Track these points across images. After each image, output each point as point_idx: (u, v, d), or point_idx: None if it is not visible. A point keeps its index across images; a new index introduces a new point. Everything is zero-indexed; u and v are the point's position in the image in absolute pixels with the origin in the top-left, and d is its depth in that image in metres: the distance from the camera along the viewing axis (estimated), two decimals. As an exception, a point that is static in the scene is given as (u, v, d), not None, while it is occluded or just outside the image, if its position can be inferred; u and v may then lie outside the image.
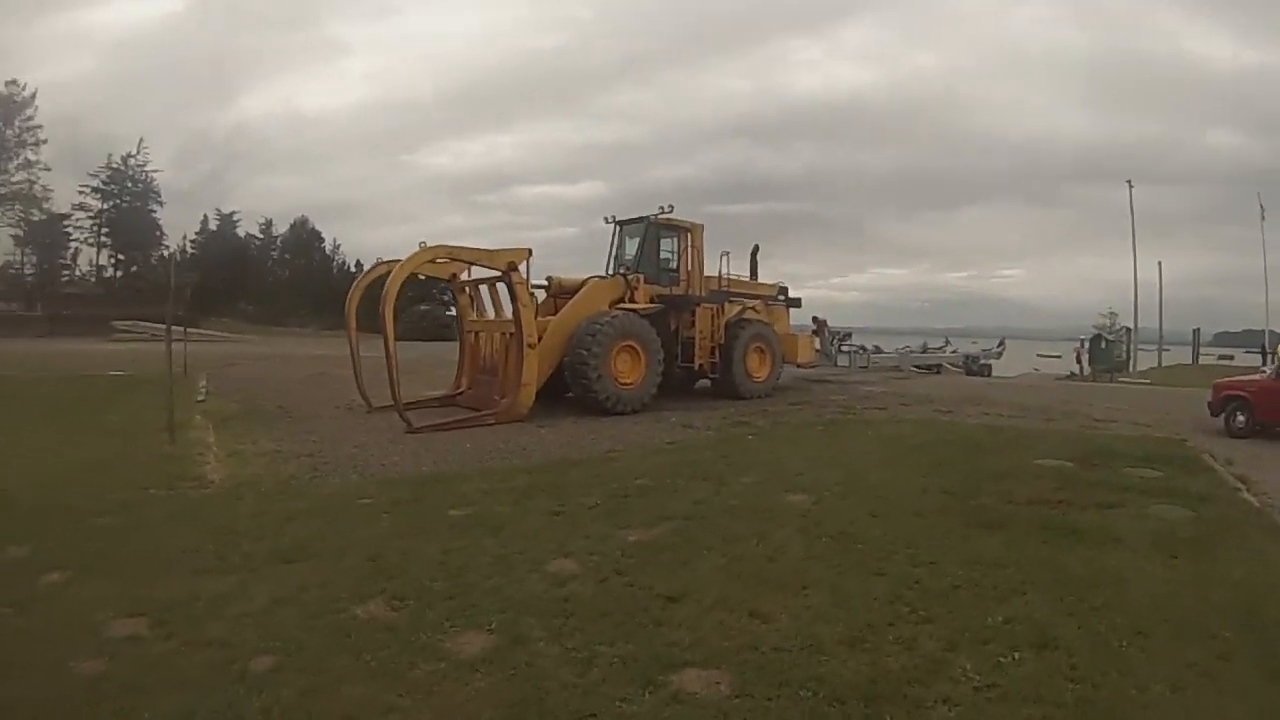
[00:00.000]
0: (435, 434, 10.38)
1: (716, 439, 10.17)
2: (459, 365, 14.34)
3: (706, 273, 15.49)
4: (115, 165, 55.67)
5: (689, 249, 15.26)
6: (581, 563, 4.83)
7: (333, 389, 14.42)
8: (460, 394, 13.76)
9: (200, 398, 12.87)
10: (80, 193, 55.06)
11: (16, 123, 53.26)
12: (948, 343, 27.98)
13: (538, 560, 4.87)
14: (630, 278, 14.40)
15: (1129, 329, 31.62)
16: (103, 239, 56.46)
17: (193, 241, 58.29)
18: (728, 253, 15.86)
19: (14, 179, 53.14)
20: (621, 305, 13.87)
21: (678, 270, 15.33)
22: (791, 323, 18.35)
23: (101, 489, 6.88)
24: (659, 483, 6.94)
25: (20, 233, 52.82)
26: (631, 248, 15.26)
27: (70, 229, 54.78)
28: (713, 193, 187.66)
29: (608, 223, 15.81)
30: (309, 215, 59.67)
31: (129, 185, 56.40)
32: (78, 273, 54.62)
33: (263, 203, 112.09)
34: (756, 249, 17.76)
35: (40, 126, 53.63)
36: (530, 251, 12.47)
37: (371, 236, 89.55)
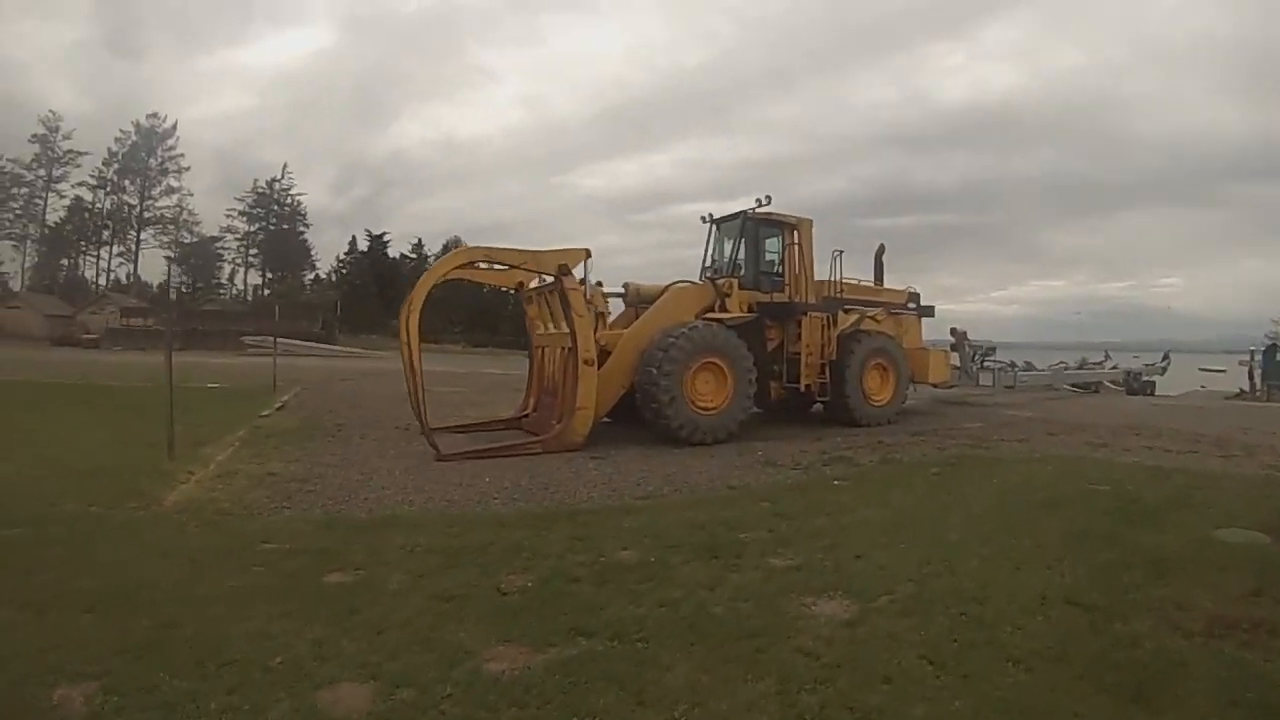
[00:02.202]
0: (463, 463, 8.97)
1: (790, 485, 7.82)
2: (527, 385, 12.94)
3: (820, 277, 13.07)
4: (261, 190, 62.13)
5: (794, 247, 12.89)
6: (376, 700, 3.03)
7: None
8: (525, 416, 12.37)
9: (266, 412, 12.54)
10: (228, 216, 62.11)
11: (160, 152, 61.58)
12: (1107, 357, 23.44)
13: (327, 678, 3.19)
14: (720, 282, 12.31)
15: None
16: (250, 259, 63.20)
17: (342, 262, 63.58)
18: (840, 251, 13.25)
19: (159, 204, 61.36)
20: (710, 315, 11.82)
21: (782, 274, 13.02)
22: (926, 336, 15.22)
23: (60, 499, 6.34)
24: (646, 558, 4.85)
25: (172, 254, 60.86)
26: (730, 249, 13.18)
27: (221, 250, 61.89)
28: (868, 205, 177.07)
29: (704, 222, 13.85)
30: (462, 236, 62.67)
31: (275, 208, 62.67)
32: (234, 291, 61.37)
33: (417, 224, 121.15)
34: (882, 249, 14.94)
35: (182, 155, 61.66)
36: (588, 252, 10.82)
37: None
